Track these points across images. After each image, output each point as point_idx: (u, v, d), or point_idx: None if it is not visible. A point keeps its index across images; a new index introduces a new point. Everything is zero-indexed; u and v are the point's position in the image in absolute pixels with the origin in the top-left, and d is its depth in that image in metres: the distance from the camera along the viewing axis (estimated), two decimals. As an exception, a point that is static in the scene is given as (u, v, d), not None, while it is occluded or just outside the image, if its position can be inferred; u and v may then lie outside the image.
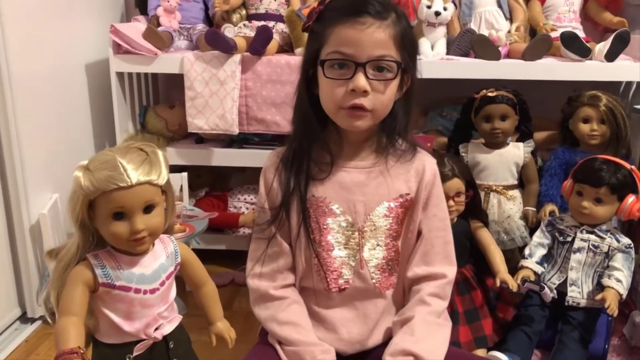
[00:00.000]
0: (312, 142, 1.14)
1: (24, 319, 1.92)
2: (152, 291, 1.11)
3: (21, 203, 1.80)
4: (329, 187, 1.15)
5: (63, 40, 2.05)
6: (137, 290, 1.09)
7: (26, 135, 1.80)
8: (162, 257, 1.14)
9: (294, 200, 1.14)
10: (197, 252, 2.23)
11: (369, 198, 1.15)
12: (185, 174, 2.18)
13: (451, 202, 1.67)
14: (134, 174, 1.03)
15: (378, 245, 1.16)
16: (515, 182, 1.99)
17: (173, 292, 1.17)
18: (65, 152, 2.03)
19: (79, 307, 1.04)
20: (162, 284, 1.13)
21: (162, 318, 1.13)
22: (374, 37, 1.03)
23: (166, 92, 2.59)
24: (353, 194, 1.15)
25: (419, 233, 1.18)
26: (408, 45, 1.09)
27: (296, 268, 1.18)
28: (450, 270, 1.18)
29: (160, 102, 2.55)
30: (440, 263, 1.17)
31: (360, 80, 1.03)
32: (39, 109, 1.89)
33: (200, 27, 2.30)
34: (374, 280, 1.16)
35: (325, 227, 1.15)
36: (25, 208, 1.81)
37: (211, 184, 2.48)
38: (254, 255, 1.19)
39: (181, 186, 2.18)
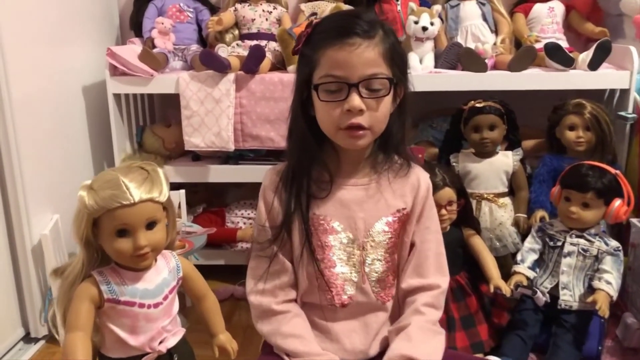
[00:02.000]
0: (311, 162, 1.16)
1: (27, 339, 1.93)
2: (156, 305, 1.14)
3: (23, 224, 1.83)
4: (330, 205, 1.17)
5: (61, 63, 2.09)
6: (142, 305, 1.12)
7: (27, 157, 1.83)
8: (164, 272, 1.18)
9: (296, 219, 1.16)
10: (196, 267, 2.30)
11: (368, 214, 1.17)
12: (182, 192, 2.21)
13: (443, 211, 1.71)
14: (137, 192, 1.07)
15: (378, 259, 1.19)
16: (506, 190, 2.02)
17: (176, 306, 1.21)
18: (65, 174, 2.06)
19: (86, 323, 1.08)
20: (165, 298, 1.16)
21: (166, 331, 1.17)
22: (364, 56, 1.05)
23: (162, 111, 2.63)
24: (353, 211, 1.17)
25: (412, 244, 1.21)
26: (398, 59, 1.11)
27: (299, 284, 1.20)
28: (444, 281, 1.21)
29: (156, 121, 2.58)
30: (433, 274, 1.20)
31: (355, 101, 1.05)
32: (38, 131, 1.92)
33: (194, 47, 2.34)
34: (375, 294, 1.19)
35: (327, 244, 1.17)
36: (27, 229, 1.84)
37: (208, 200, 2.52)
38: (255, 272, 1.20)
39: (179, 203, 2.22)
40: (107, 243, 1.09)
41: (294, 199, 1.16)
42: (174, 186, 2.35)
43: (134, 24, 2.44)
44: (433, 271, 1.20)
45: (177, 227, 1.92)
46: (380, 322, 1.21)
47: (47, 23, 2.00)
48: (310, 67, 1.10)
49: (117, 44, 2.52)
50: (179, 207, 2.22)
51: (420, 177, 1.23)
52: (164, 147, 2.34)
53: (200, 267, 2.26)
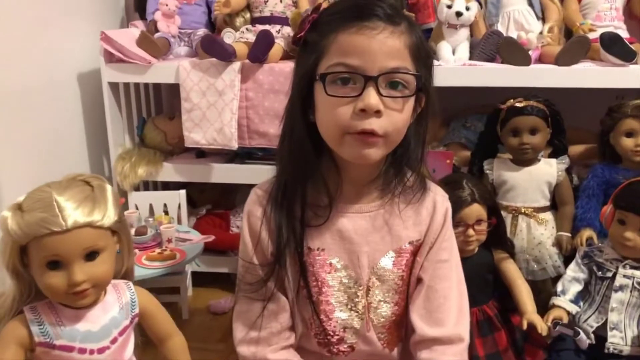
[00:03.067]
0: (307, 180, 0.96)
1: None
2: (100, 350, 0.96)
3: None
4: (327, 236, 0.97)
5: (53, 48, 1.93)
6: (82, 350, 0.94)
7: (7, 152, 1.68)
8: (114, 308, 0.99)
9: (288, 254, 0.97)
10: (198, 275, 2.13)
11: (373, 248, 0.98)
12: (183, 192, 2.04)
13: (471, 231, 1.49)
14: (72, 214, 0.87)
15: (385, 302, 1.00)
16: (547, 204, 1.79)
17: (129, 349, 1.02)
18: (54, 169, 1.90)
19: (9, 373, 0.89)
20: (114, 341, 0.97)
21: (114, 382, 0.97)
22: (387, 44, 0.86)
23: (169, 101, 2.44)
24: (355, 245, 0.97)
25: (419, 279, 1.01)
26: (425, 58, 0.91)
27: (295, 327, 1.02)
28: (466, 331, 1.01)
29: (163, 112, 2.40)
30: (455, 323, 1.00)
31: (372, 98, 0.85)
32: (23, 122, 1.77)
33: (202, 32, 2.14)
34: (381, 342, 1.01)
35: (324, 284, 0.98)
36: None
37: (215, 200, 2.33)
38: (246, 317, 1.00)
39: (179, 205, 2.03)
40: (37, 276, 0.92)
41: (286, 229, 0.95)
42: (177, 185, 2.18)
43: (138, 5, 2.25)
44: (455, 319, 1.00)
45: (169, 235, 1.76)
46: None
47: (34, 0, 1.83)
48: (315, 56, 0.89)
49: (122, 27, 2.33)
50: (179, 208, 2.03)
51: (437, 199, 1.02)
52: (166, 142, 2.16)
53: (201, 275, 2.14)
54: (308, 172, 0.95)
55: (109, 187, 0.94)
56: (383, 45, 0.86)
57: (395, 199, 0.99)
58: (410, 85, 0.88)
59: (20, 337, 0.91)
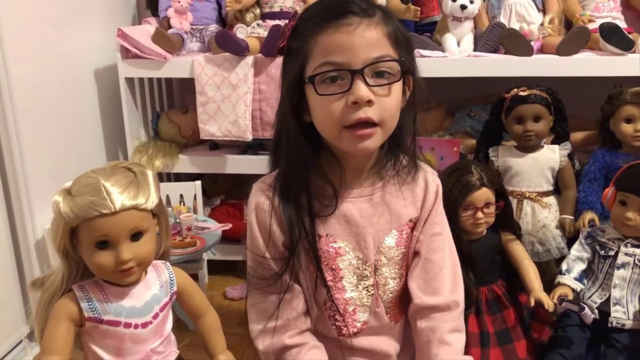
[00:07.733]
0: (309, 175, 0.99)
1: (32, 336, 1.84)
2: (144, 325, 1.01)
3: (25, 218, 1.73)
4: (334, 222, 1.01)
5: (70, 45, 1.98)
6: (127, 325, 0.99)
7: (30, 146, 1.74)
8: (155, 286, 1.04)
9: (300, 244, 1.00)
10: (213, 263, 2.20)
11: (377, 228, 1.03)
12: (199, 183, 2.10)
13: (480, 214, 1.54)
14: (119, 198, 0.94)
15: (392, 278, 1.06)
16: (551, 188, 1.83)
17: (169, 324, 1.07)
18: (74, 162, 1.96)
19: (62, 346, 0.95)
20: (156, 316, 1.03)
21: (156, 354, 1.04)
22: (366, 37, 0.89)
23: (182, 96, 2.50)
24: (361, 227, 1.02)
25: (416, 253, 1.07)
26: (404, 42, 0.95)
27: (310, 312, 1.06)
28: (462, 297, 1.07)
29: (175, 106, 2.46)
30: (451, 291, 1.06)
31: (362, 90, 0.88)
32: (43, 117, 1.83)
33: (213, 27, 2.20)
34: (388, 315, 1.07)
35: (336, 268, 1.03)
36: (30, 223, 1.75)
37: (228, 191, 2.40)
38: (260, 310, 1.03)
39: (195, 195, 2.10)
40: (86, 256, 0.97)
41: (296, 221, 0.99)
42: (191, 176, 2.24)
43: (150, 3, 2.31)
44: (450, 287, 1.06)
45: (189, 223, 1.82)
46: (393, 343, 1.10)
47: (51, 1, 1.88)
48: (300, 60, 0.92)
49: (133, 24, 2.38)
50: (195, 199, 2.10)
51: (428, 177, 1.08)
52: (180, 135, 2.22)
53: (216, 263, 2.21)
54: (309, 168, 0.98)
55: (149, 172, 1.01)
56: (362, 39, 0.88)
57: (391, 180, 1.04)
58: (394, 71, 0.91)
59: (71, 312, 0.96)
